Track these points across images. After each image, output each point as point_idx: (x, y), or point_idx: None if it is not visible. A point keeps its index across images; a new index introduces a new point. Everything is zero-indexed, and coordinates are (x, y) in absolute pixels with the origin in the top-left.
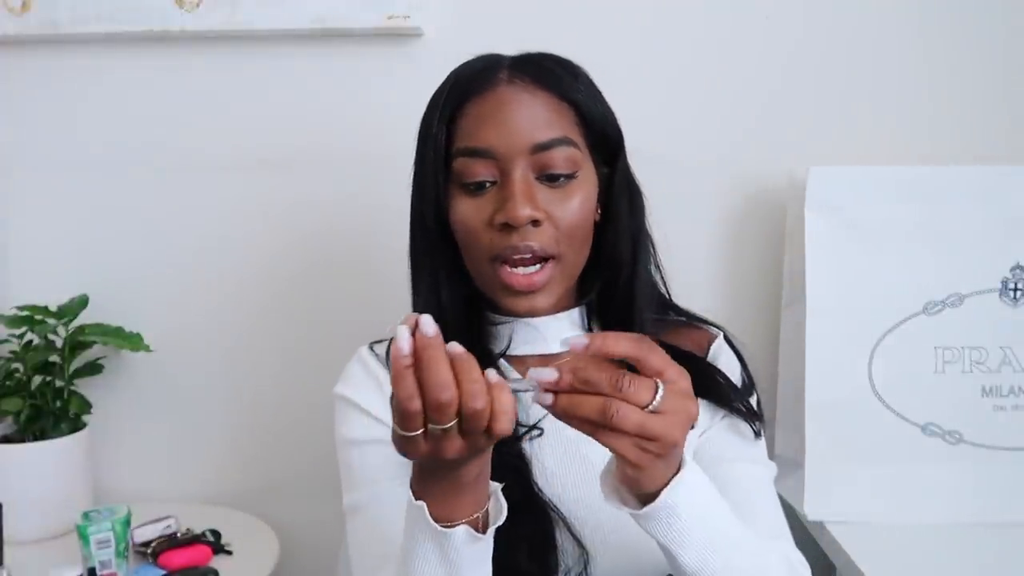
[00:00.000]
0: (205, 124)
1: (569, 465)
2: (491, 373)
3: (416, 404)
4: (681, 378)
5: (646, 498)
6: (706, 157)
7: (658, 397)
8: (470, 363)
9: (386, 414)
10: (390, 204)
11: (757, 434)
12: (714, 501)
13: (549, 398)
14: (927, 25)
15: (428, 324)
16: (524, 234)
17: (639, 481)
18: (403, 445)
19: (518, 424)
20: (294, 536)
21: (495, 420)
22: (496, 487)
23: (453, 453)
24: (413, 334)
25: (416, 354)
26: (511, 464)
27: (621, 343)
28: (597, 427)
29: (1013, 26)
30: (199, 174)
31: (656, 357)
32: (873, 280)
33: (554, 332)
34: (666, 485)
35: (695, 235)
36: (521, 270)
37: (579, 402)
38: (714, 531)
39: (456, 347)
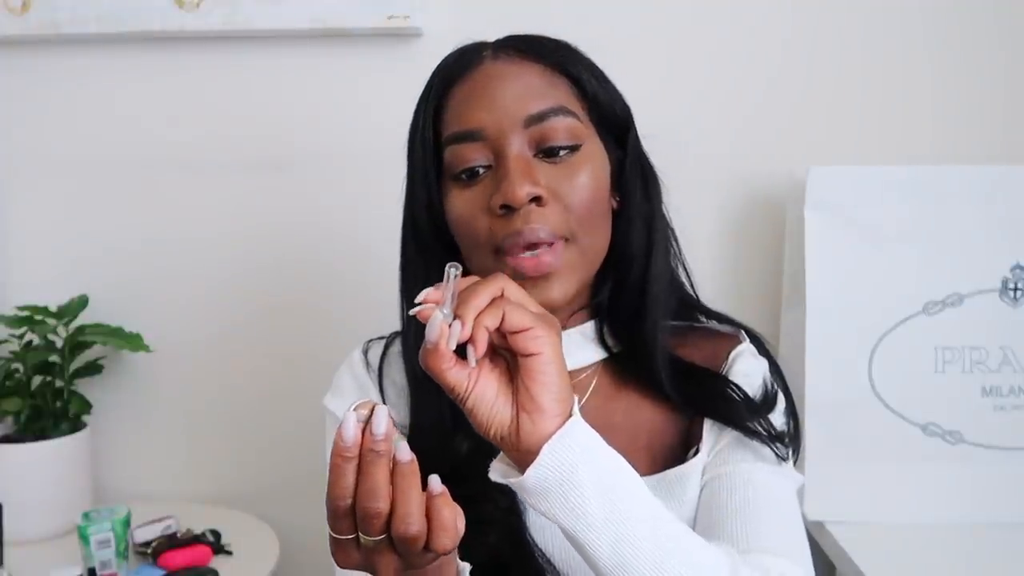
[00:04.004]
0: (205, 124)
1: None
2: (434, 482)
3: (346, 504)
4: None
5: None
6: (706, 157)
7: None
8: (411, 479)
9: None
10: (390, 204)
11: (782, 459)
12: (623, 469)
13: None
14: (927, 25)
15: (381, 421)
16: (527, 216)
17: (539, 397)
18: (335, 549)
19: None
20: (294, 536)
21: (433, 537)
22: (465, 568)
23: (388, 573)
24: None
25: (360, 451)
26: (501, 517)
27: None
28: (495, 310)
29: (1013, 26)
30: (199, 174)
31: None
32: (873, 280)
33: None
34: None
35: (695, 235)
36: (528, 254)
37: (473, 294)
38: (623, 498)
39: (403, 452)
